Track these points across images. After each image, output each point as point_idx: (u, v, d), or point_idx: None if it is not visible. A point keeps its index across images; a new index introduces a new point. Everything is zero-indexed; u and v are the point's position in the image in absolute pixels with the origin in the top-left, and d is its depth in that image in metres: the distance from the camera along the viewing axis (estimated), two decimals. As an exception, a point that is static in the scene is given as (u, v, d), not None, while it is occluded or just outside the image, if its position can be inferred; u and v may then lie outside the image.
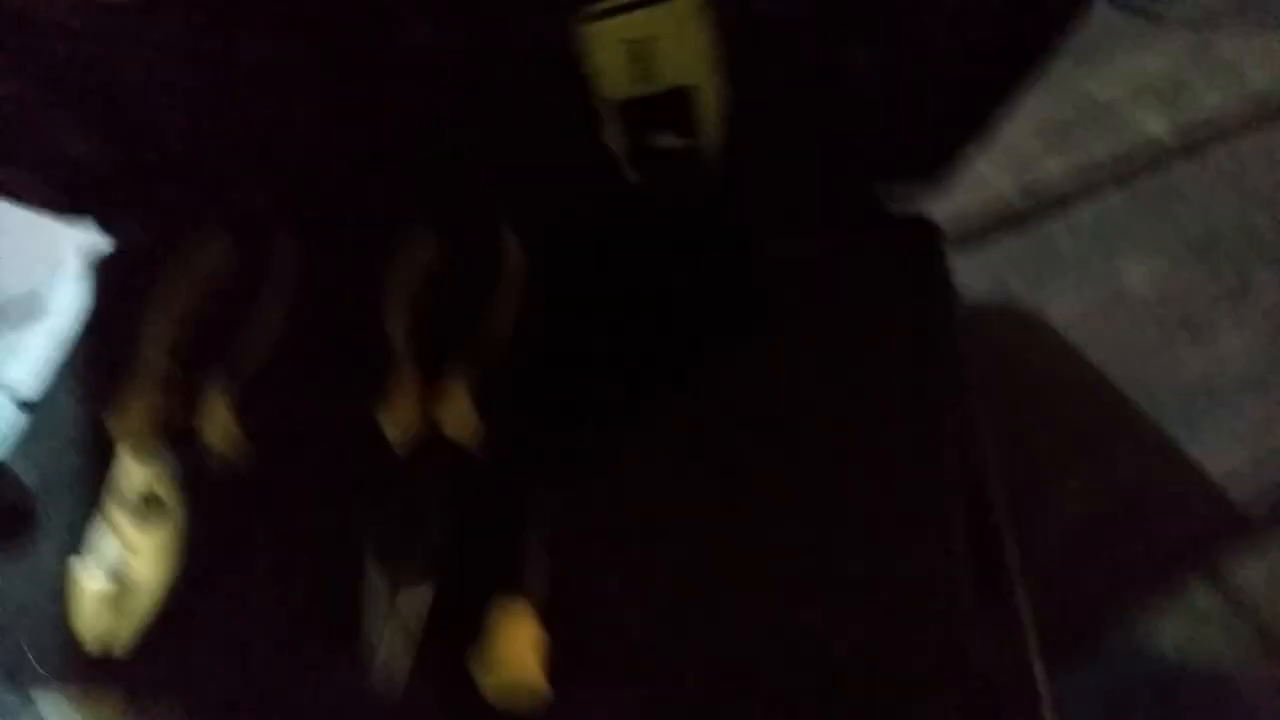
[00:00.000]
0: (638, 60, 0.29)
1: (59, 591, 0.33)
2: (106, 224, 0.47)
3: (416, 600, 0.31)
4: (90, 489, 0.36)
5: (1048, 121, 0.55)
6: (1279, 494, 0.40)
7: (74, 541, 0.35)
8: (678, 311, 0.40)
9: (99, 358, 0.42)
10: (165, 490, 0.33)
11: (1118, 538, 0.38)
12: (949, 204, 0.44)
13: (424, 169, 0.42)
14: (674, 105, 0.32)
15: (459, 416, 0.34)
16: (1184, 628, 0.38)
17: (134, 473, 0.34)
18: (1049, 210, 0.50)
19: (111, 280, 0.45)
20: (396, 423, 0.34)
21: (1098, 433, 0.42)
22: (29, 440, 0.39)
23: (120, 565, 0.32)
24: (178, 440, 0.35)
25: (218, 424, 0.35)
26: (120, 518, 0.33)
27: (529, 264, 0.40)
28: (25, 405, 0.40)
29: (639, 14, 0.28)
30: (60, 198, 0.45)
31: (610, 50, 0.29)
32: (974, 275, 0.48)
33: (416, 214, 0.42)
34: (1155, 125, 0.55)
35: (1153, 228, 0.50)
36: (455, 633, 0.31)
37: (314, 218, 0.43)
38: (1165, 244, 0.49)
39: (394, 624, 0.30)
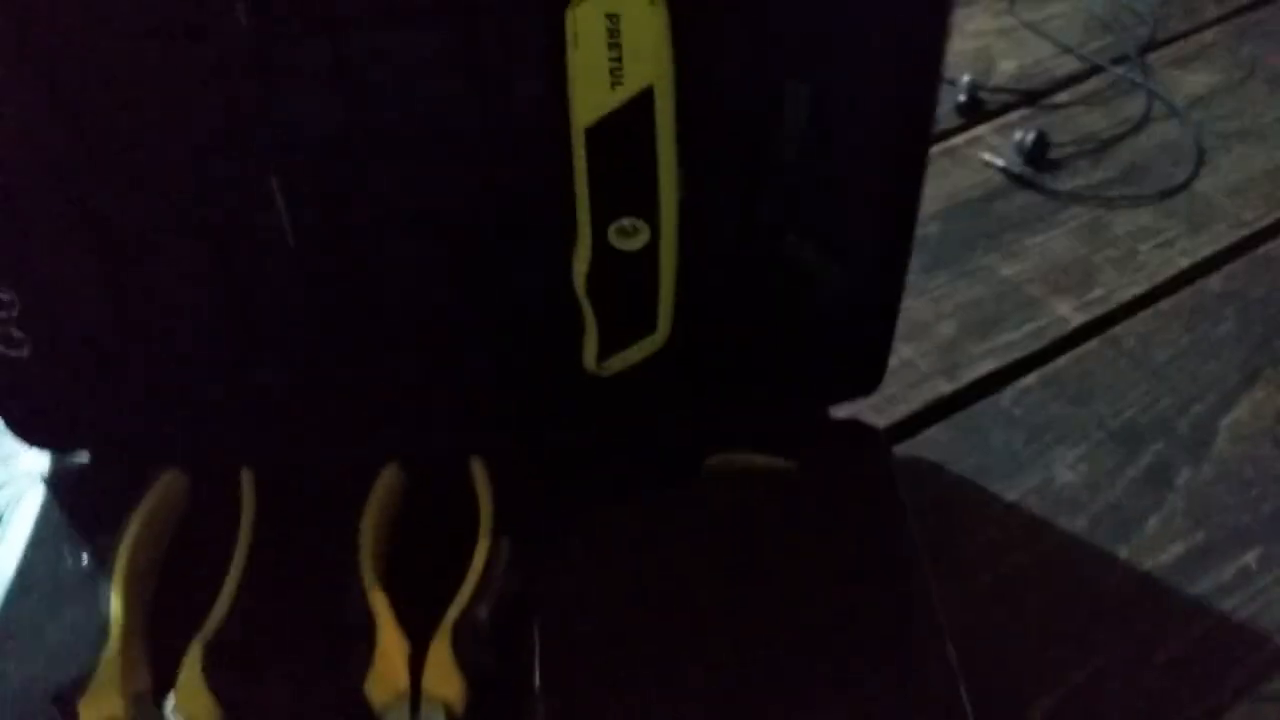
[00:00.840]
0: (612, 45, 0.32)
1: None
2: (56, 450, 0.46)
3: None
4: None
5: (968, 310, 0.59)
6: (1208, 684, 0.43)
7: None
8: (650, 540, 0.41)
9: (46, 608, 0.40)
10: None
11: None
12: (881, 398, 0.47)
13: (389, 403, 0.43)
14: (637, 125, 0.35)
15: (444, 677, 0.35)
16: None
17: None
18: (978, 401, 0.54)
19: (60, 518, 0.43)
20: (382, 690, 0.34)
21: (1045, 629, 0.44)
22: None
23: None
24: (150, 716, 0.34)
25: (193, 696, 0.34)
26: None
27: (497, 495, 0.41)
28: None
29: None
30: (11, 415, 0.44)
31: (591, 26, 0.32)
32: (912, 470, 0.50)
33: (382, 449, 0.42)
34: (1064, 307, 0.59)
35: (1073, 413, 0.53)
36: None
37: (277, 453, 0.43)
38: (1086, 429, 0.52)
39: None
